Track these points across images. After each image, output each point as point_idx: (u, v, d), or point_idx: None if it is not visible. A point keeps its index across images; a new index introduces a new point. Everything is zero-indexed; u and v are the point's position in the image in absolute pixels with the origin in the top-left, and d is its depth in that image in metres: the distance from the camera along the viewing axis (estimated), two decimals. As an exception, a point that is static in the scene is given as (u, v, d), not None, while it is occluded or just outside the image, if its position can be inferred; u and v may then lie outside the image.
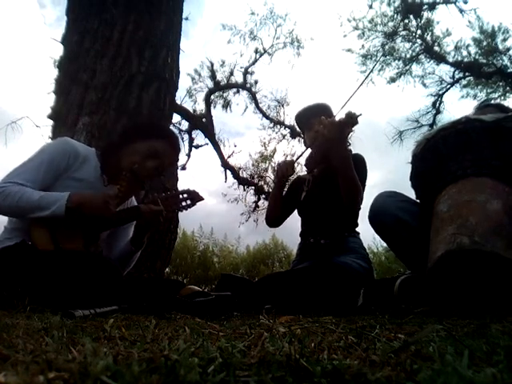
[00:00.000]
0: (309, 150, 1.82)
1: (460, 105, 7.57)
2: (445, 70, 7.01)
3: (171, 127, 3.37)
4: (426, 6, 6.69)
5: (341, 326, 0.67)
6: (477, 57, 6.72)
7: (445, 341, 0.50)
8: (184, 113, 6.49)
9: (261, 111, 7.56)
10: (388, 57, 7.13)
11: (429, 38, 6.92)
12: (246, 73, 7.28)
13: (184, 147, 6.78)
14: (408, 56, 7.19)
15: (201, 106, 7.16)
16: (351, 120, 1.46)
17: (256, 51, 7.40)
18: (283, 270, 2.60)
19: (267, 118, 7.61)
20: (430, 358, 0.40)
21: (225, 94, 7.51)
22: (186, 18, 4.60)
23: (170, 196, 1.53)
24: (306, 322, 0.83)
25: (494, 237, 0.95)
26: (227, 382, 0.29)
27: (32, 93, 9.27)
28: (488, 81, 6.88)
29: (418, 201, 1.35)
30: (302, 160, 1.87)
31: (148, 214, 1.45)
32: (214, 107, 7.30)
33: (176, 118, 6.34)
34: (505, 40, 6.51)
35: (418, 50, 7.11)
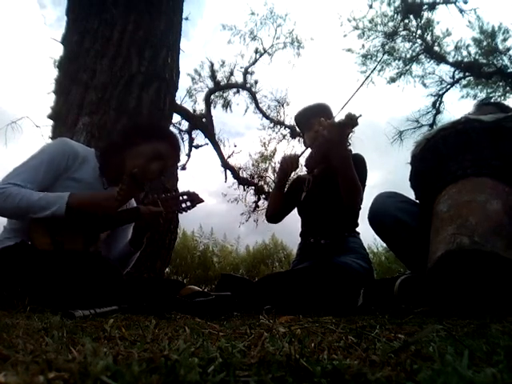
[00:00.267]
0: (309, 150, 1.82)
1: (460, 105, 7.58)
2: (445, 70, 7.03)
3: (171, 127, 3.37)
4: (426, 6, 6.70)
5: (341, 326, 0.67)
6: (477, 57, 6.72)
7: (445, 341, 0.50)
8: (184, 113, 6.49)
9: (261, 111, 7.56)
10: (388, 57, 7.14)
11: (429, 38, 6.93)
12: (246, 73, 7.28)
13: (184, 147, 6.79)
14: (408, 56, 7.20)
15: (201, 106, 7.17)
16: (351, 121, 1.46)
17: (256, 51, 7.42)
18: (283, 270, 2.60)
19: (267, 118, 7.61)
20: (430, 358, 0.40)
21: (225, 94, 7.53)
22: (186, 18, 4.60)
23: (170, 197, 1.53)
24: (306, 322, 0.83)
25: (494, 237, 0.95)
26: (227, 382, 0.29)
27: (32, 93, 9.27)
28: (488, 81, 6.88)
29: (417, 201, 1.35)
30: (303, 159, 1.86)
31: (148, 215, 1.45)
32: (214, 107, 7.31)
33: (176, 118, 6.35)
34: (505, 40, 6.52)
35: (418, 50, 7.12)
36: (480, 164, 1.12)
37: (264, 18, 7.40)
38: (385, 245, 1.53)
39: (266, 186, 7.31)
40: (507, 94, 6.94)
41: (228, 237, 7.46)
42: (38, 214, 1.28)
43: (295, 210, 1.97)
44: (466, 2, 6.41)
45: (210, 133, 6.73)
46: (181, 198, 1.54)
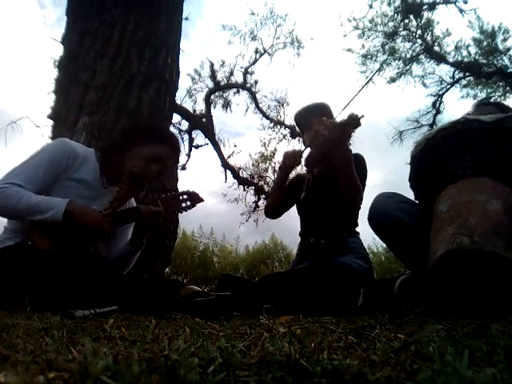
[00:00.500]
0: (308, 149, 1.82)
1: (460, 105, 7.58)
2: (445, 70, 7.03)
3: (171, 127, 3.37)
4: (426, 6, 6.69)
5: (341, 326, 0.67)
6: (477, 57, 6.72)
7: (445, 341, 0.50)
8: (184, 113, 6.49)
9: (261, 111, 7.56)
10: (388, 57, 7.13)
11: (429, 38, 6.93)
12: (246, 73, 7.28)
13: (184, 147, 6.79)
14: (408, 56, 7.20)
15: (201, 106, 7.17)
16: (354, 122, 1.45)
17: (256, 51, 7.42)
18: (283, 270, 2.60)
19: (267, 118, 7.61)
20: (430, 358, 0.40)
21: (225, 94, 7.53)
22: (186, 18, 4.60)
23: (170, 197, 1.53)
24: (306, 322, 0.83)
25: (494, 237, 0.95)
26: (227, 382, 0.29)
27: (32, 93, 9.27)
28: (488, 81, 6.88)
29: (417, 201, 1.35)
30: (305, 155, 1.85)
31: (148, 214, 1.45)
32: (214, 107, 7.32)
33: (176, 118, 6.35)
34: (505, 40, 6.52)
35: (418, 49, 7.11)
36: (480, 164, 1.12)
37: (264, 18, 7.41)
38: (385, 245, 1.53)
39: (266, 186, 7.32)
40: (507, 94, 6.95)
41: (228, 237, 7.47)
42: (36, 217, 1.28)
43: (295, 209, 1.97)
44: (466, 2, 6.41)
45: (210, 133, 6.73)
46: (181, 197, 1.54)
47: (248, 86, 7.34)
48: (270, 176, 7.39)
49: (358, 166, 1.66)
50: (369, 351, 0.42)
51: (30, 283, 1.17)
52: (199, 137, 6.93)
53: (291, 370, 0.33)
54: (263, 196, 7.24)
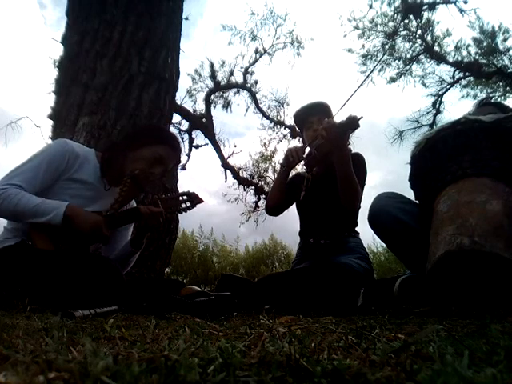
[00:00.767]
0: (308, 149, 1.82)
1: (460, 105, 7.59)
2: (445, 70, 7.03)
3: (171, 127, 3.37)
4: (426, 6, 6.69)
5: (341, 326, 0.67)
6: (477, 57, 6.72)
7: (445, 341, 0.50)
8: (184, 113, 6.49)
9: (261, 111, 7.57)
10: (388, 57, 7.14)
11: (429, 38, 6.93)
12: (246, 73, 7.28)
13: (184, 147, 6.79)
14: (408, 56, 7.20)
15: (201, 106, 7.18)
16: (353, 123, 1.45)
17: (256, 51, 7.42)
18: (283, 270, 2.60)
19: (267, 118, 7.62)
20: (430, 358, 0.40)
21: (225, 94, 7.54)
22: (186, 18, 4.61)
23: (170, 198, 1.53)
24: (305, 322, 0.83)
25: (494, 237, 0.95)
26: (227, 382, 0.29)
27: (32, 93, 9.28)
28: (488, 81, 6.88)
29: (417, 201, 1.35)
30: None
31: (148, 215, 1.45)
32: (214, 107, 7.32)
33: (176, 118, 6.36)
34: (505, 40, 6.52)
35: (418, 49, 7.12)
36: (480, 164, 1.12)
37: (264, 18, 7.43)
38: (385, 245, 1.53)
39: (266, 186, 7.32)
40: (507, 94, 6.95)
41: (228, 237, 7.47)
42: (35, 220, 1.28)
43: (294, 208, 1.97)
44: (466, 2, 6.41)
45: (210, 133, 6.73)
46: (181, 198, 1.54)
47: (248, 86, 7.35)
48: (270, 176, 7.40)
49: (358, 165, 1.66)
50: (369, 351, 0.42)
51: (29, 283, 1.17)
52: (199, 137, 6.96)
53: (291, 370, 0.33)
54: (263, 196, 7.24)
